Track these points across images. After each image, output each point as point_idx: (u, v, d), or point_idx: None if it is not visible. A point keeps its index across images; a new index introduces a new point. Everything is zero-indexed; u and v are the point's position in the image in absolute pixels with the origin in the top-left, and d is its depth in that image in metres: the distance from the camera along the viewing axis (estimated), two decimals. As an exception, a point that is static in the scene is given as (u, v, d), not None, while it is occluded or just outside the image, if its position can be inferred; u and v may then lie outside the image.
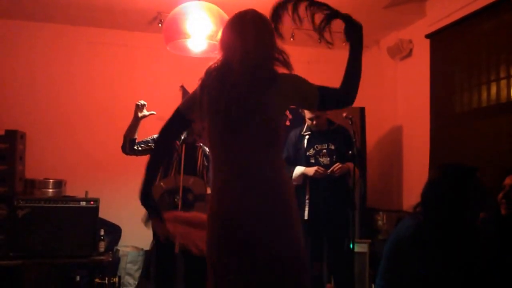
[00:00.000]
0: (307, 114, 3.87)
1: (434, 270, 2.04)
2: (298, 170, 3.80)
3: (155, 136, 3.40)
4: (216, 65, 1.97)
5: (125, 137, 3.39)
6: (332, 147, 3.81)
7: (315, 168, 3.73)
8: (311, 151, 3.85)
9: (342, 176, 3.76)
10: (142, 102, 3.37)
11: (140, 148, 3.41)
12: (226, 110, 1.86)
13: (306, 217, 3.73)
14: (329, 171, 3.71)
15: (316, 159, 3.82)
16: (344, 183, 3.76)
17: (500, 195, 2.34)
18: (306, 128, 3.94)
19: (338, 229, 3.78)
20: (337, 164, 3.71)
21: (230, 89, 1.86)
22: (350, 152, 3.82)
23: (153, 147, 3.37)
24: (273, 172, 1.90)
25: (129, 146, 3.37)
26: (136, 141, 3.39)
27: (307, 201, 3.78)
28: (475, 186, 2.09)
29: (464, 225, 2.07)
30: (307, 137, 3.90)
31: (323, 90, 1.95)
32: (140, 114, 3.35)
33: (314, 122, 3.83)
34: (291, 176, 3.81)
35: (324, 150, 3.83)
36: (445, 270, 2.03)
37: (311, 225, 3.74)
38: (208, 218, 1.93)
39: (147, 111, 3.37)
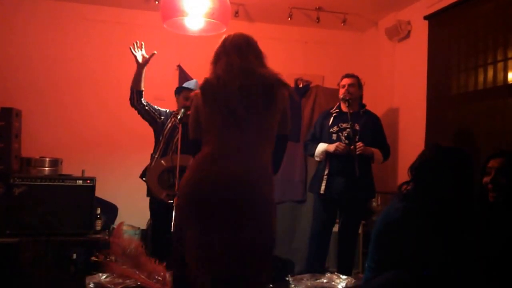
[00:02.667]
0: (343, 81, 3.97)
1: (424, 250, 2.06)
2: (321, 146, 3.92)
3: (162, 110, 3.62)
4: (219, 71, 2.16)
5: (132, 88, 3.44)
6: (357, 127, 3.86)
7: (336, 144, 3.81)
8: (335, 128, 3.94)
9: (365, 159, 3.82)
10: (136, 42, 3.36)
11: (145, 105, 3.49)
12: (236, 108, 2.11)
13: (322, 191, 3.87)
14: (352, 147, 3.76)
15: (338, 136, 3.91)
16: (361, 165, 3.75)
17: (486, 179, 2.23)
18: (336, 107, 4.04)
19: (350, 207, 3.91)
20: (360, 143, 3.76)
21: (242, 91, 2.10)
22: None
23: (152, 113, 3.54)
24: None
25: (136, 97, 3.43)
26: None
27: (325, 176, 3.89)
28: (469, 168, 2.14)
29: (457, 205, 2.10)
30: (334, 114, 4.00)
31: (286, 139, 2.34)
32: (140, 59, 3.34)
33: (346, 89, 3.92)
34: (313, 154, 3.98)
35: (348, 129, 3.87)
36: (436, 250, 2.05)
37: (326, 199, 3.89)
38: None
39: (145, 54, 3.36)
